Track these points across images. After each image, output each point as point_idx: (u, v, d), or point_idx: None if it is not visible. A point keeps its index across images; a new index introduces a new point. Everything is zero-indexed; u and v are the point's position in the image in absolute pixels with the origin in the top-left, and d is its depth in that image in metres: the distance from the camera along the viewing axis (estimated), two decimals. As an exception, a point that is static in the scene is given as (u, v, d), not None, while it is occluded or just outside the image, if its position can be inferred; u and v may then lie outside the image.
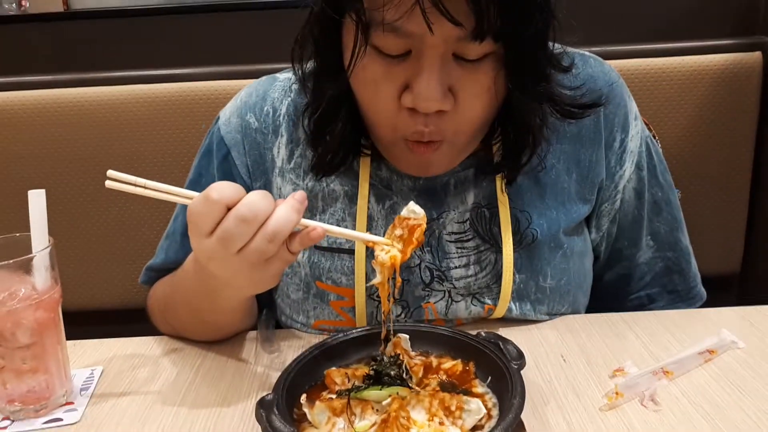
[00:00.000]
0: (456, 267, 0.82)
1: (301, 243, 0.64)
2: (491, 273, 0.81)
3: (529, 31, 0.65)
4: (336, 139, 0.78)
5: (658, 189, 0.89)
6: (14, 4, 1.69)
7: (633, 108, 0.87)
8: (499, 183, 0.81)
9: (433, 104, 0.67)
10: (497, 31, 0.64)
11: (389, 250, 0.67)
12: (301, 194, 0.64)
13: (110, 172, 0.63)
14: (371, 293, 0.82)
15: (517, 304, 0.82)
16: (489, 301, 0.82)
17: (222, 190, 0.62)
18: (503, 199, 0.81)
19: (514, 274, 0.80)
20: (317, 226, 0.65)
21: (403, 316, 0.83)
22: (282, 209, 0.62)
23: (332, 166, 0.81)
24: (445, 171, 0.79)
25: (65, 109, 1.32)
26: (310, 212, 0.84)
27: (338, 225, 0.82)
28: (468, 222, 0.82)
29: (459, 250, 0.82)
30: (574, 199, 0.84)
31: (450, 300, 0.82)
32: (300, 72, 0.80)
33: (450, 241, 0.82)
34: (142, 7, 1.49)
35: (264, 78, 0.90)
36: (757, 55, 1.33)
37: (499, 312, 0.82)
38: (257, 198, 0.62)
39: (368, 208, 0.82)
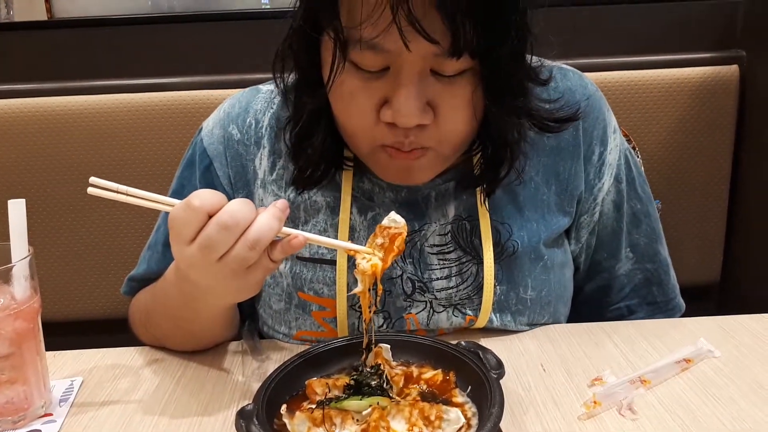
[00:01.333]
0: (438, 278, 0.82)
1: (282, 251, 0.64)
2: (472, 284, 0.82)
3: (505, 47, 0.66)
4: (317, 152, 0.79)
5: (637, 201, 0.90)
6: (-2, 13, 1.68)
7: (612, 121, 0.88)
8: (479, 196, 0.82)
9: (412, 119, 0.68)
10: (473, 48, 0.64)
11: (370, 259, 0.67)
12: (282, 203, 0.64)
13: (92, 179, 0.63)
14: (353, 304, 0.82)
15: (498, 315, 0.82)
16: (470, 312, 0.82)
17: (203, 197, 0.62)
18: (483, 211, 0.82)
19: (495, 286, 0.81)
20: (298, 234, 0.65)
21: (385, 326, 0.83)
22: (263, 217, 0.62)
23: (313, 179, 0.81)
24: (427, 180, 0.80)
25: (48, 117, 1.32)
26: (293, 223, 0.84)
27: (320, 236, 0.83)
28: (449, 234, 0.83)
29: (441, 262, 0.82)
30: (553, 211, 0.85)
31: (431, 311, 0.83)
32: (282, 85, 0.80)
33: (432, 253, 0.82)
34: (125, 16, 1.49)
35: (247, 89, 0.91)
36: (734, 69, 1.36)
37: (480, 323, 0.82)
38: (239, 205, 0.62)
39: (350, 219, 0.82)
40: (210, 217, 0.62)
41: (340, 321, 0.82)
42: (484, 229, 0.81)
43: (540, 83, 0.77)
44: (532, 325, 0.85)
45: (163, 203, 0.65)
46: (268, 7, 1.96)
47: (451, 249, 0.83)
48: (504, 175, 0.79)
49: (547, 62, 0.83)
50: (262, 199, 0.86)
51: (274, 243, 0.64)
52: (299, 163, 0.81)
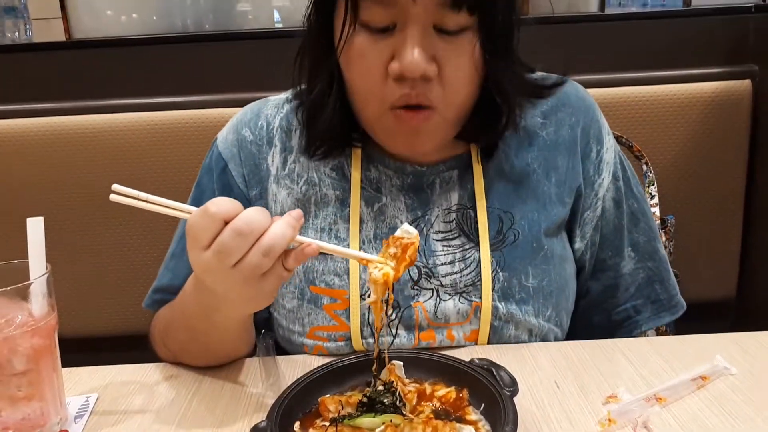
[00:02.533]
0: (442, 264, 0.85)
1: (295, 259, 0.66)
2: (475, 270, 0.84)
3: (500, 2, 0.73)
4: (327, 121, 0.83)
5: (634, 200, 0.94)
6: (17, 34, 1.72)
7: (605, 124, 0.93)
8: (474, 153, 0.87)
9: (417, 68, 0.72)
10: (473, 1, 0.71)
11: (382, 268, 0.68)
12: (297, 212, 0.66)
13: (115, 186, 0.65)
14: (364, 293, 0.83)
15: (503, 303, 0.84)
16: (476, 299, 0.84)
17: (220, 204, 0.64)
18: (480, 196, 0.85)
19: (497, 272, 0.83)
20: (312, 242, 0.66)
21: (393, 316, 0.84)
22: (278, 225, 0.64)
23: (322, 151, 0.86)
24: (431, 147, 0.82)
25: (66, 136, 1.34)
26: (303, 217, 0.86)
27: (330, 228, 0.86)
28: (454, 222, 0.86)
29: (444, 248, 0.85)
30: (554, 202, 0.88)
31: (438, 299, 0.84)
32: (299, 88, 0.87)
33: (437, 240, 0.85)
34: (142, 36, 1.52)
35: (257, 101, 0.96)
36: (746, 83, 1.36)
37: (486, 310, 0.83)
38: (254, 213, 0.64)
39: (359, 211, 0.86)
40: (226, 223, 0.63)
41: (353, 307, 0.83)
42: (480, 214, 0.84)
43: (529, 71, 0.84)
44: (538, 316, 0.85)
45: (180, 210, 0.66)
46: (281, 26, 1.99)
47: (455, 236, 0.85)
48: (502, 129, 0.82)
49: (554, 76, 0.88)
50: (275, 194, 0.89)
51: (287, 251, 0.65)
52: (311, 133, 0.86)
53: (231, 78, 1.45)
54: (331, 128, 0.83)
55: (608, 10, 1.84)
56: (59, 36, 1.69)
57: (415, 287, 0.84)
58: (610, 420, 0.67)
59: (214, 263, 0.63)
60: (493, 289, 0.83)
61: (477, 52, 0.75)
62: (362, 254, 0.71)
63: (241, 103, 1.32)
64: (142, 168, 1.35)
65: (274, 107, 0.93)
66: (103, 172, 1.35)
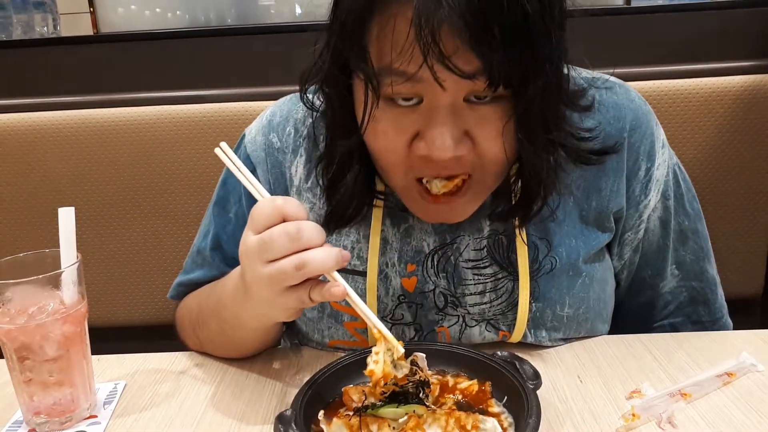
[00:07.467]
0: (471, 294, 0.81)
1: (320, 294, 0.64)
2: (507, 300, 0.81)
3: (540, 78, 0.64)
4: (349, 191, 0.78)
5: (685, 218, 0.88)
6: (46, 28, 1.75)
7: (660, 135, 0.85)
8: (515, 221, 0.80)
9: (447, 152, 0.66)
10: (508, 79, 0.63)
11: (377, 361, 0.65)
12: (347, 254, 0.65)
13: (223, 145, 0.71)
14: (385, 315, 0.83)
15: (532, 331, 0.81)
16: (504, 328, 0.82)
17: (289, 202, 0.65)
18: (521, 232, 0.80)
19: (530, 303, 0.80)
20: (342, 285, 0.64)
21: (416, 339, 0.83)
22: (325, 250, 0.63)
23: (345, 219, 0.81)
24: (467, 217, 0.77)
25: (94, 129, 1.36)
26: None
27: (353, 247, 0.83)
28: (485, 249, 0.81)
29: (476, 277, 0.81)
30: (593, 227, 0.83)
31: (464, 325, 0.82)
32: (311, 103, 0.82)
33: (467, 268, 0.81)
34: (169, 30, 1.53)
35: (289, 97, 0.91)
36: (775, 77, 1.33)
37: (514, 339, 0.82)
38: (312, 227, 0.63)
39: (383, 230, 0.82)
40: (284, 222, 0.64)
41: (371, 332, 0.82)
42: (520, 247, 0.80)
43: (580, 110, 0.76)
44: (568, 340, 0.84)
45: (259, 192, 0.70)
46: (303, 20, 1.99)
47: (487, 264, 0.81)
48: (536, 212, 0.77)
49: (588, 72, 0.82)
50: None
51: (319, 282, 0.65)
52: (332, 203, 0.81)
53: (254, 71, 1.46)
54: (353, 194, 0.78)
55: (634, 3, 1.81)
56: (87, 30, 1.71)
57: (440, 313, 0.82)
58: (634, 415, 0.67)
59: (255, 250, 0.64)
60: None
61: (510, 127, 0.67)
62: (380, 326, 0.66)
63: (265, 97, 1.35)
64: (169, 159, 1.37)
65: (305, 110, 0.86)
66: (129, 164, 1.37)
